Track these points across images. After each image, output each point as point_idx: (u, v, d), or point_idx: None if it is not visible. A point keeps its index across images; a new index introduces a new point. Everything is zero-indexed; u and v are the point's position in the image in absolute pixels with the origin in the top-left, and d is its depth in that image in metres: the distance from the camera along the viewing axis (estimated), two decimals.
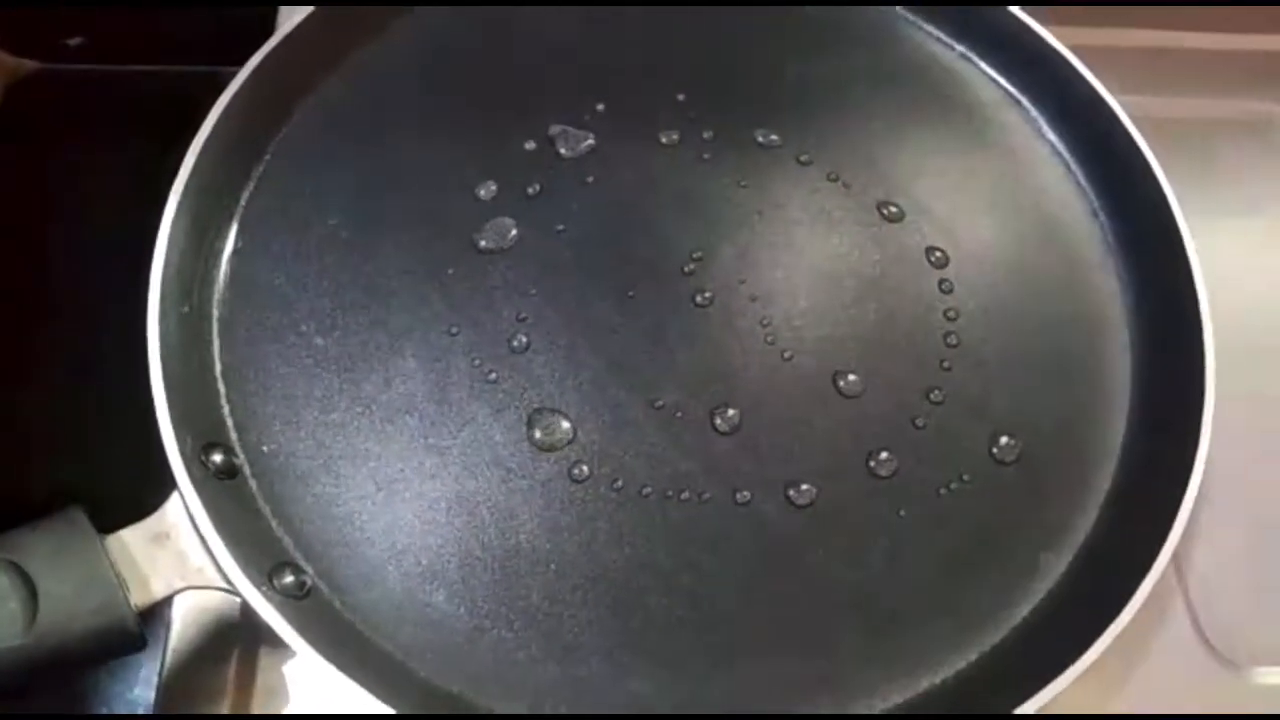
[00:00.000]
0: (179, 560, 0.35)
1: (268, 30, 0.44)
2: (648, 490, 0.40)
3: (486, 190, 0.44)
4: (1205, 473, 0.40)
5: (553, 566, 0.39)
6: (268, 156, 0.44)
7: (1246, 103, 0.57)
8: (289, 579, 0.37)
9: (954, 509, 0.41)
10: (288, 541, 0.38)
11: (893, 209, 0.46)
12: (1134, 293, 0.46)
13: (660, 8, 0.49)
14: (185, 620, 0.40)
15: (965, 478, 0.41)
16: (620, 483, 0.40)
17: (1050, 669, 0.36)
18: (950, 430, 0.42)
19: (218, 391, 0.40)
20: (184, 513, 0.36)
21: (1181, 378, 0.42)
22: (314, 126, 0.45)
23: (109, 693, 0.41)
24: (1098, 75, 0.47)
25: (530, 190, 0.44)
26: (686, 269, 0.44)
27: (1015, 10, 0.48)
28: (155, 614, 0.37)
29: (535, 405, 0.41)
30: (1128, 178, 0.46)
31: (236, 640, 0.40)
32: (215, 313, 0.41)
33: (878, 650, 0.39)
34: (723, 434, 0.41)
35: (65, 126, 0.52)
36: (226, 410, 0.39)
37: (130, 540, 0.35)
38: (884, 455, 0.41)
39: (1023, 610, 0.40)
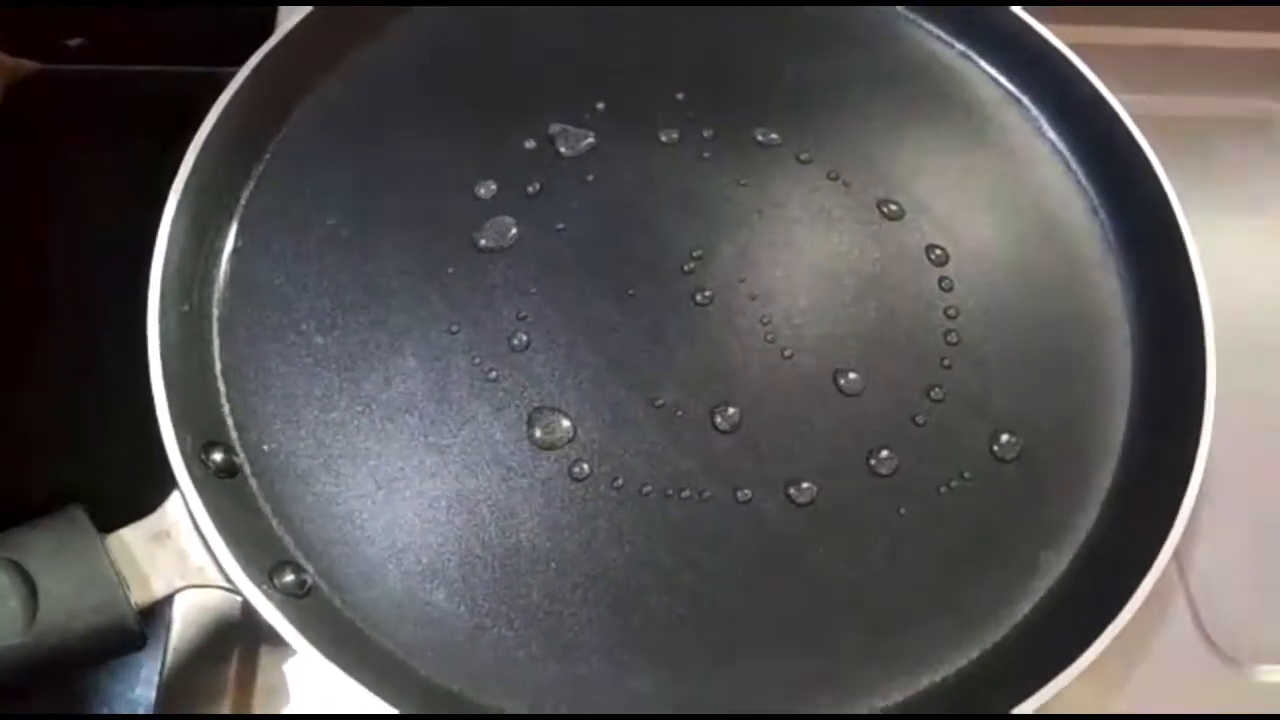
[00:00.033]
0: (179, 559, 0.35)
1: (267, 30, 0.44)
2: (648, 489, 0.40)
3: (486, 189, 0.44)
4: (1206, 471, 0.40)
5: (553, 565, 0.39)
6: (267, 156, 0.44)
7: (1247, 101, 0.57)
8: (289, 578, 0.37)
9: (954, 507, 0.41)
10: (288, 540, 0.38)
11: (893, 207, 0.46)
12: (1134, 291, 0.46)
13: (659, 7, 0.49)
14: (186, 619, 0.40)
15: (966, 476, 0.41)
16: (620, 481, 0.40)
17: (1051, 667, 0.36)
18: (951, 428, 0.42)
19: (218, 390, 0.40)
20: (184, 511, 0.36)
21: (1182, 376, 0.42)
22: (314, 126, 0.45)
23: (110, 692, 0.41)
24: (1098, 73, 0.47)
25: (530, 189, 0.44)
26: (686, 267, 0.44)
27: (1015, 9, 0.48)
28: (156, 613, 0.37)
29: (535, 404, 0.41)
30: (1128, 176, 0.46)
31: (237, 639, 0.40)
32: (215, 312, 0.41)
33: (878, 648, 0.39)
34: (723, 432, 0.41)
35: (65, 127, 0.52)
36: (226, 409, 0.39)
37: (130, 539, 0.35)
38: (884, 453, 0.41)
39: (1024, 608, 0.40)
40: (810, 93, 0.48)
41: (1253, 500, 0.47)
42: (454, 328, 0.42)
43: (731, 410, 0.41)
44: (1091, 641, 0.37)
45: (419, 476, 0.39)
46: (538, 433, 0.40)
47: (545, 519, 0.39)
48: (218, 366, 0.40)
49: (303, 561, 0.38)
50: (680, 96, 0.47)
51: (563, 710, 0.37)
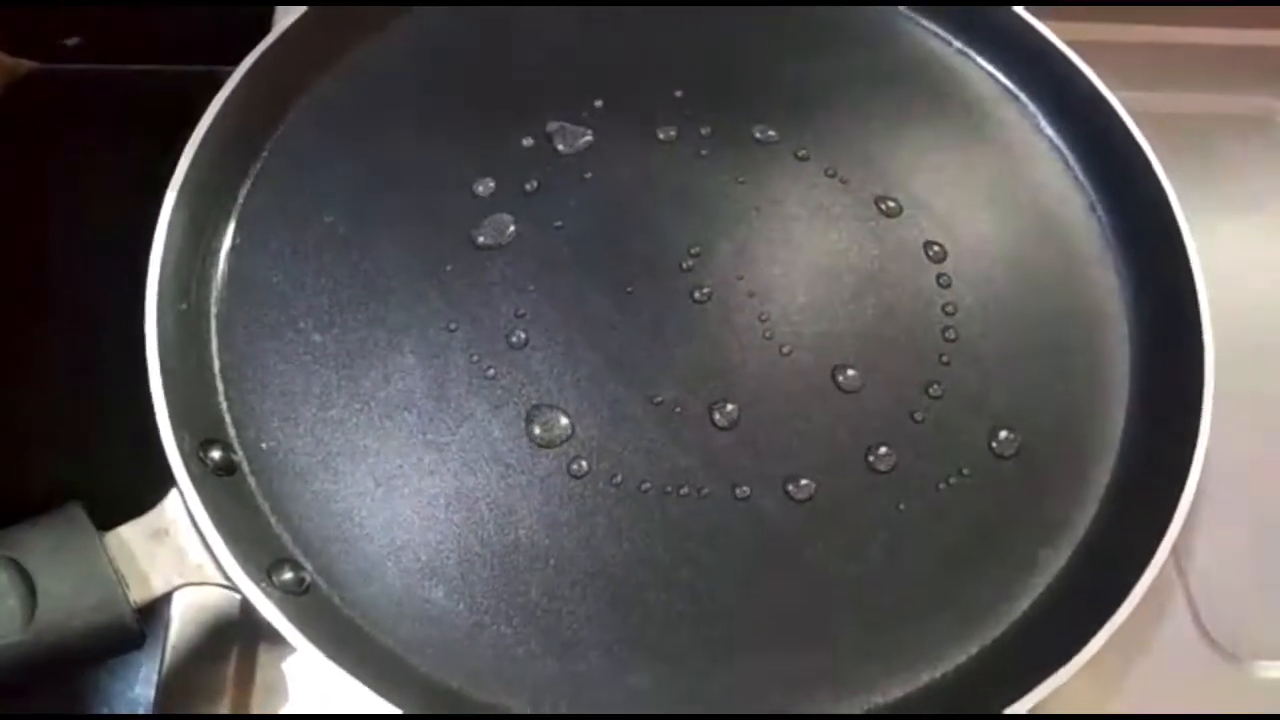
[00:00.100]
0: (178, 557, 0.35)
1: (265, 29, 0.44)
2: (647, 486, 0.40)
3: (484, 187, 0.44)
4: (1205, 467, 0.40)
5: (552, 562, 0.39)
6: (265, 154, 0.44)
7: (1245, 98, 0.57)
8: (288, 575, 0.37)
9: (953, 503, 0.41)
10: (286, 538, 0.38)
11: (891, 204, 0.46)
12: (1133, 287, 0.46)
13: (658, 6, 0.49)
14: (184, 617, 0.40)
15: (964, 472, 0.41)
16: (619, 478, 0.40)
17: (1050, 663, 0.36)
18: (949, 425, 0.42)
19: (216, 388, 0.40)
20: (183, 509, 0.36)
21: (1181, 372, 0.42)
22: (311, 124, 0.45)
23: (109, 691, 0.41)
24: (1096, 71, 0.47)
25: (528, 187, 0.44)
26: (685, 265, 0.44)
27: (1014, 7, 0.48)
28: (154, 611, 0.37)
29: (534, 401, 0.41)
30: (1126, 173, 0.46)
31: (236, 637, 0.40)
32: (213, 310, 0.41)
33: (877, 645, 0.39)
34: (721, 429, 0.41)
35: (63, 126, 0.52)
36: (225, 407, 0.39)
37: (129, 537, 0.35)
38: (883, 450, 0.41)
39: (1022, 605, 0.40)
40: (808, 90, 0.48)
41: (1252, 496, 0.47)
42: (452, 325, 0.42)
43: (730, 407, 0.41)
44: (1090, 638, 0.37)
45: (417, 474, 0.39)
46: (536, 430, 0.40)
47: (544, 516, 0.39)
48: (216, 364, 0.40)
49: (301, 559, 0.38)
50: (678, 94, 0.47)
51: (562, 707, 0.37)
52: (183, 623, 0.40)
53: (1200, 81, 0.57)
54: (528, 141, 0.45)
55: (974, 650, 0.39)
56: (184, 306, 0.40)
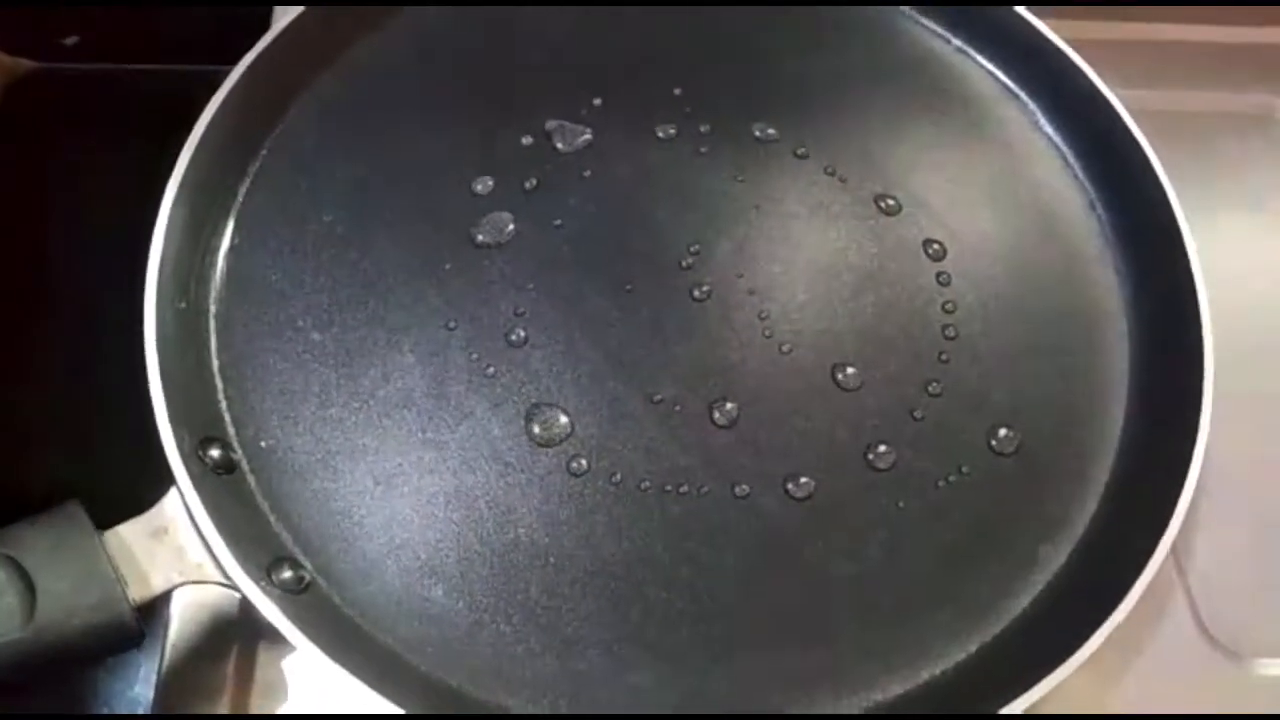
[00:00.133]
0: (177, 555, 0.35)
1: (264, 28, 0.44)
2: (646, 484, 0.40)
3: (483, 185, 0.44)
4: (1205, 465, 0.40)
5: (551, 560, 0.39)
6: (264, 153, 0.44)
7: (1245, 96, 0.57)
8: (287, 574, 0.37)
9: (953, 501, 0.41)
10: (286, 536, 0.38)
11: (890, 202, 0.46)
12: (1132, 285, 0.46)
13: (657, 4, 0.49)
14: (184, 616, 0.40)
15: (964, 470, 0.41)
16: (619, 477, 0.40)
17: (1050, 661, 0.36)
18: (949, 422, 0.42)
19: (215, 387, 0.40)
20: (182, 508, 0.36)
21: (1180, 370, 0.42)
22: (310, 123, 0.45)
23: (109, 691, 0.41)
24: (1095, 69, 0.47)
25: (527, 185, 0.44)
26: (684, 263, 0.44)
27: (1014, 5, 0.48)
28: (154, 610, 0.37)
29: (533, 400, 0.41)
30: (1126, 171, 0.46)
31: (235, 636, 0.40)
32: (212, 309, 0.41)
33: (877, 642, 0.39)
34: (721, 427, 0.41)
35: (62, 125, 0.52)
36: (224, 406, 0.40)
37: (128, 535, 0.35)
38: (882, 448, 0.41)
39: (1022, 602, 0.40)
40: (807, 88, 0.48)
41: (1251, 494, 0.47)
42: (451, 324, 0.42)
43: (729, 405, 0.41)
44: (1090, 635, 0.37)
45: (417, 472, 0.39)
46: (536, 429, 0.40)
47: (543, 515, 0.39)
48: (215, 363, 0.40)
49: (301, 557, 0.38)
50: (678, 92, 0.47)
51: (562, 706, 0.37)
52: (182, 621, 0.40)
53: (1200, 79, 0.57)
54: (527, 140, 0.45)
55: (973, 648, 0.39)
56: (183, 305, 0.40)
